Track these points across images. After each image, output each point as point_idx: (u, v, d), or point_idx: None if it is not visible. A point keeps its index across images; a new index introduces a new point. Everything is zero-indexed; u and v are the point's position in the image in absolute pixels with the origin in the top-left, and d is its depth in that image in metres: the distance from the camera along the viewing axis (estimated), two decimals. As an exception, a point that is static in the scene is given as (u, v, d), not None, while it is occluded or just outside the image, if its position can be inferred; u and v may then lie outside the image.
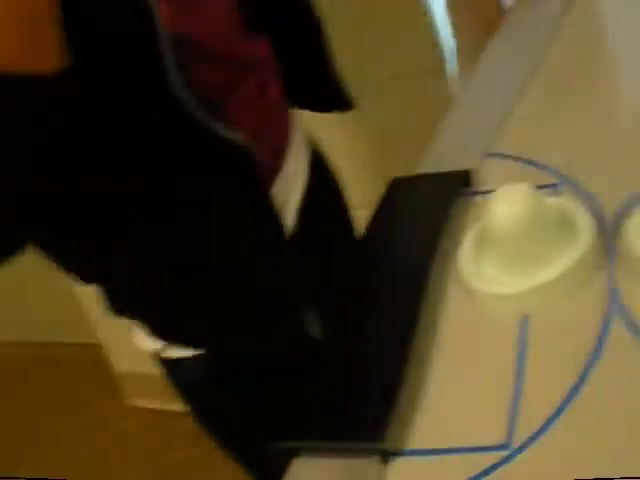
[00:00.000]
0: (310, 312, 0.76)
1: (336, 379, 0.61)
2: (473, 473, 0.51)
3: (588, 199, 0.66)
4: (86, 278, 0.75)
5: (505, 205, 0.60)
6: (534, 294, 0.60)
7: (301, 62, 0.83)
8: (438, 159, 0.81)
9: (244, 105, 0.72)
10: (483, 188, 0.75)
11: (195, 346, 0.78)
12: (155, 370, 0.83)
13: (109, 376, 1.95)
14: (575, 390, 0.53)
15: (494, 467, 0.51)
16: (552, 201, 0.64)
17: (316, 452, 0.56)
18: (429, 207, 0.75)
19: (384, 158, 1.40)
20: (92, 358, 1.99)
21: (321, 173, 0.87)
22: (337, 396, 0.59)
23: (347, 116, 0.96)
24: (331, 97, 0.86)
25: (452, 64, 1.29)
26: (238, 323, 0.76)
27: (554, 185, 0.71)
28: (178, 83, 0.60)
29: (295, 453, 0.57)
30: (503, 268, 0.62)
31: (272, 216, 0.71)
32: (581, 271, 0.60)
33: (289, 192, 0.77)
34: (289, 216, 0.77)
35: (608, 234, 0.62)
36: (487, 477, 0.50)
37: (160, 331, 0.77)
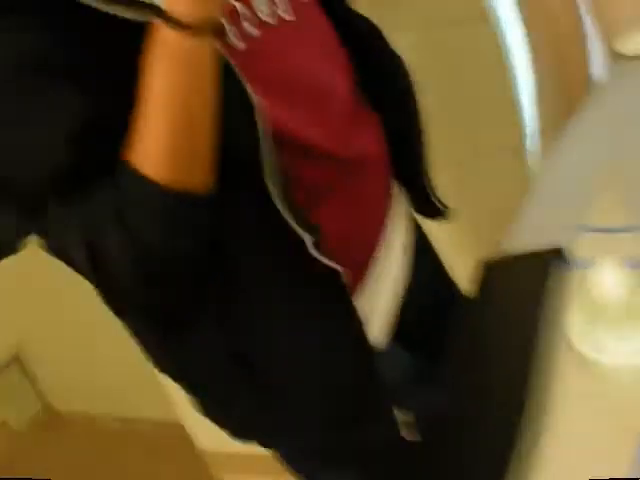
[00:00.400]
0: (400, 413, 0.74)
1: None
2: None
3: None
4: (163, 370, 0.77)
5: (610, 276, 0.61)
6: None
7: (406, 151, 0.82)
8: (527, 236, 0.81)
9: (342, 205, 0.72)
10: (578, 261, 0.74)
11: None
12: (239, 447, 0.82)
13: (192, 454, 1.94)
14: None
15: None
16: None
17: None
18: (526, 286, 0.75)
19: (463, 235, 1.38)
20: (176, 435, 1.99)
21: (422, 259, 0.85)
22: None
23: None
24: (424, 205, 0.86)
25: (534, 143, 1.29)
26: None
27: None
28: (276, 192, 0.62)
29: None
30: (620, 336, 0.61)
31: (355, 329, 0.70)
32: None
33: (379, 293, 0.76)
34: (378, 320, 0.76)
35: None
36: None
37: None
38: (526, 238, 0.81)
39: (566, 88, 1.23)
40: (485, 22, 1.26)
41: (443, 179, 0.91)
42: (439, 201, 0.85)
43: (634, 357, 0.60)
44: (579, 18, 1.19)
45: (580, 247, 0.75)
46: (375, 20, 0.82)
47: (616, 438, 0.54)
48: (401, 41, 0.82)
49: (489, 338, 0.72)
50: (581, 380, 0.61)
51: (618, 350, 0.61)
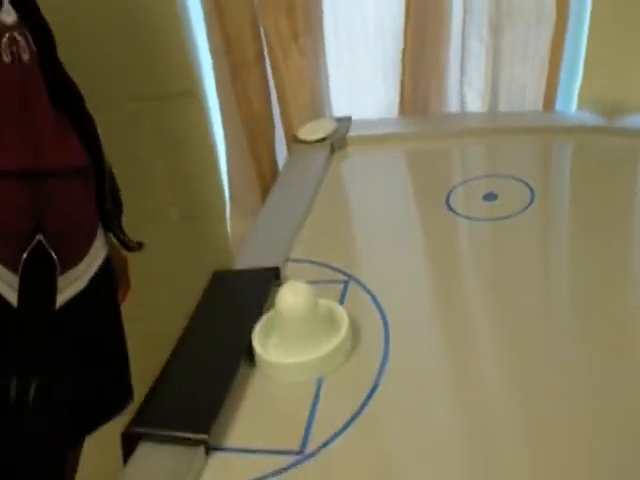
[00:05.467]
0: None
1: (182, 376, 0.80)
2: (268, 471, 0.70)
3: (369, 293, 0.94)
4: None
5: (289, 297, 0.84)
6: (321, 361, 0.81)
7: None
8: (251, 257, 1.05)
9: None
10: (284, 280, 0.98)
11: None
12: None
13: None
14: (357, 414, 0.75)
15: (287, 468, 0.70)
16: (322, 300, 0.87)
17: (156, 439, 0.72)
18: (246, 295, 0.96)
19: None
20: None
21: None
22: (179, 395, 0.78)
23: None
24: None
25: (230, 208, 1.56)
26: None
27: (344, 282, 0.97)
28: None
29: (140, 438, 0.72)
30: (287, 345, 0.84)
31: None
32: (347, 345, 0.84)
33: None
34: None
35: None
36: (280, 476, 0.69)
37: None
38: (250, 258, 1.05)
39: (257, 164, 1.50)
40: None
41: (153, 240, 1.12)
42: (127, 240, 1.05)
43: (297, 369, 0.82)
44: (269, 104, 1.48)
45: (291, 274, 1.01)
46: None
47: (282, 426, 0.77)
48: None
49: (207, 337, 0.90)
50: (258, 378, 0.83)
51: (286, 359, 0.82)
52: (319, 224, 1.15)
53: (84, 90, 0.99)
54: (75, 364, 0.94)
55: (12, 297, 0.85)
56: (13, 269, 0.84)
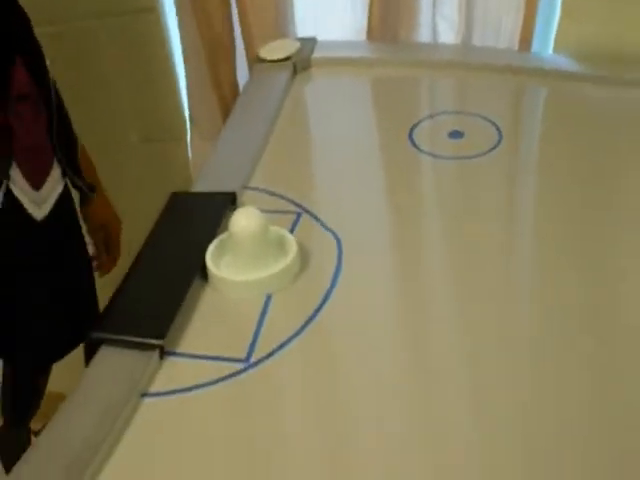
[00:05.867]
0: None
1: (140, 288, 0.92)
2: (216, 376, 0.82)
3: (320, 224, 1.05)
4: None
5: (242, 220, 0.95)
6: (269, 279, 0.93)
7: None
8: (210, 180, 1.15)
9: None
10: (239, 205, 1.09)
11: None
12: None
13: None
14: (301, 330, 0.87)
15: (234, 374, 0.83)
16: (273, 227, 0.99)
17: (115, 344, 0.84)
18: (203, 217, 1.06)
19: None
20: None
21: None
22: (137, 301, 0.90)
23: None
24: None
25: (190, 129, 1.65)
26: None
27: (297, 213, 1.07)
28: None
29: (101, 343, 0.84)
30: (238, 264, 0.95)
31: None
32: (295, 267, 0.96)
33: None
34: None
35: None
36: (226, 381, 0.81)
37: None
38: (209, 182, 1.15)
39: (218, 87, 1.58)
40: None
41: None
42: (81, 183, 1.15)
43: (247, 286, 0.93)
44: (231, 23, 1.55)
45: (247, 201, 1.11)
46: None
47: (230, 337, 0.89)
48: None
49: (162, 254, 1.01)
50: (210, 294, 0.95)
51: (237, 277, 0.94)
52: (279, 150, 1.25)
53: (40, 6, 1.06)
54: (43, 296, 1.06)
55: None
56: None
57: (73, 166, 1.12)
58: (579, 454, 0.73)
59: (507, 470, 0.72)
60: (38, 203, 1.04)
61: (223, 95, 1.57)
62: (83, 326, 0.92)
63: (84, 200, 1.18)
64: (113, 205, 1.26)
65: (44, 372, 1.18)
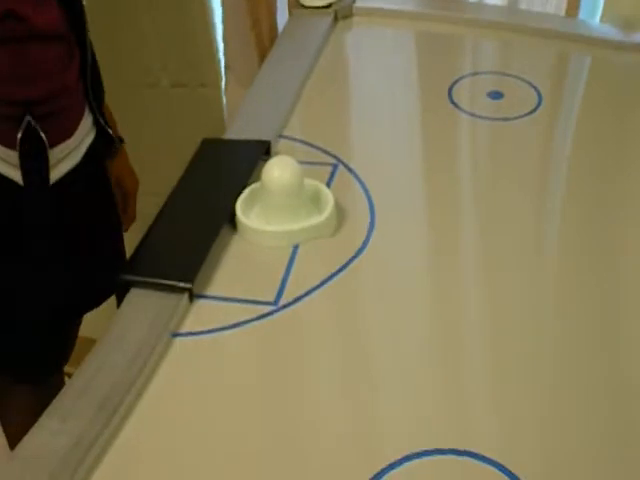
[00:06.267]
0: None
1: (169, 232, 0.94)
2: (246, 318, 0.84)
3: (355, 177, 1.06)
4: None
5: (276, 170, 0.95)
6: (300, 232, 0.94)
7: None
8: (243, 128, 1.14)
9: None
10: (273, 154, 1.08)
11: None
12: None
13: None
14: (330, 278, 0.88)
15: (262, 316, 0.84)
16: (309, 180, 0.99)
17: (146, 286, 0.85)
18: (234, 165, 1.06)
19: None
20: None
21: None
22: (167, 245, 0.92)
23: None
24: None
25: (224, 75, 1.63)
26: None
27: (333, 165, 1.07)
28: None
29: (131, 285, 0.85)
30: (269, 216, 0.96)
31: None
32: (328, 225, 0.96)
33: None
34: None
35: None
36: (255, 322, 0.84)
37: None
38: (242, 130, 1.14)
39: (256, 30, 1.54)
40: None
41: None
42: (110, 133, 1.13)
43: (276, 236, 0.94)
44: None
45: (280, 150, 1.11)
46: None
47: (259, 281, 0.91)
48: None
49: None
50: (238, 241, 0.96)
51: (267, 227, 0.94)
52: (316, 100, 1.24)
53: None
54: (77, 244, 1.07)
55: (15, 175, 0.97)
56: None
57: (103, 115, 1.12)
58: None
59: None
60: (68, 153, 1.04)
61: (261, 40, 1.55)
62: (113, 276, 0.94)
63: (107, 153, 1.18)
64: (141, 151, 1.25)
65: (77, 320, 1.19)
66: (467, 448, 0.69)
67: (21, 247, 1.00)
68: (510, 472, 0.67)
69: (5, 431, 1.19)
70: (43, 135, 0.93)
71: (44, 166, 0.96)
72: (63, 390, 0.74)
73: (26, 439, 0.70)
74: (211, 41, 1.62)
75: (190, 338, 0.82)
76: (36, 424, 0.71)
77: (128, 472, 0.70)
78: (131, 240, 1.19)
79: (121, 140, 1.17)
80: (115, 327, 0.82)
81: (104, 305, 1.11)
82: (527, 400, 0.76)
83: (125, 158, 1.21)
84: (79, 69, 1.02)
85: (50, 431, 0.69)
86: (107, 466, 0.69)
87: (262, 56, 1.51)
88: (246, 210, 0.97)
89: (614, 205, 1.02)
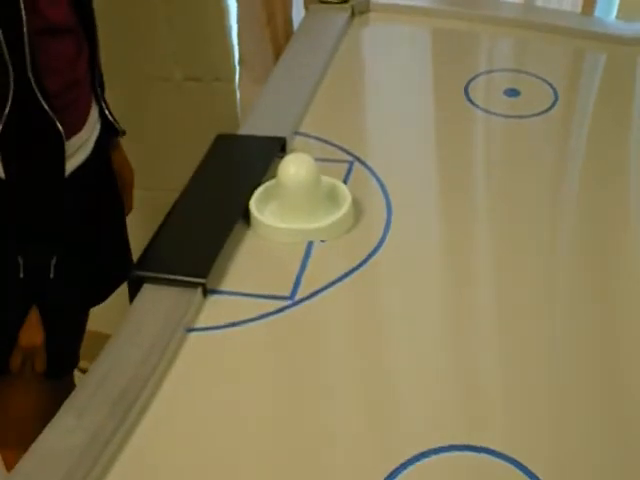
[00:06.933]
0: None
1: (182, 228, 0.95)
2: (261, 313, 0.85)
3: (372, 174, 1.06)
4: None
5: (292, 168, 0.95)
6: (317, 230, 0.94)
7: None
8: (258, 125, 1.15)
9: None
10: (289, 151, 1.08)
11: None
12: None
13: None
14: (347, 275, 0.89)
15: (278, 311, 0.85)
16: (325, 177, 0.99)
17: (159, 282, 0.86)
18: (249, 162, 1.07)
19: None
20: None
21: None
22: (180, 241, 0.93)
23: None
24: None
25: (238, 70, 1.64)
26: None
27: (349, 162, 1.08)
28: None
29: (144, 281, 0.86)
30: (284, 214, 0.96)
31: None
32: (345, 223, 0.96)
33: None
34: None
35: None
36: (271, 317, 0.84)
37: None
38: (257, 126, 1.15)
39: (272, 25, 1.55)
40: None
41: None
42: (113, 121, 1.14)
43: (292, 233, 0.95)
44: None
45: (296, 147, 1.11)
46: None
47: (274, 276, 0.91)
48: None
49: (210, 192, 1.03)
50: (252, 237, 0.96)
51: (281, 224, 0.95)
52: (331, 96, 1.25)
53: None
54: (86, 237, 1.08)
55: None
56: None
57: (108, 106, 1.14)
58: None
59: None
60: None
61: (276, 35, 1.56)
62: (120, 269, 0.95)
63: (111, 144, 1.19)
64: (154, 146, 1.26)
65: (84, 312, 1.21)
66: (483, 444, 0.70)
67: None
68: (527, 469, 0.68)
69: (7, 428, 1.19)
70: (60, 127, 0.94)
71: (61, 159, 0.97)
72: (78, 386, 0.75)
73: (42, 437, 0.70)
74: (225, 35, 1.62)
75: (204, 333, 0.83)
76: (52, 421, 0.71)
77: (144, 468, 0.70)
78: (135, 235, 1.22)
79: (124, 131, 1.18)
80: (129, 322, 0.82)
81: (115, 300, 1.12)
82: (543, 396, 0.76)
83: (122, 149, 1.22)
84: (88, 61, 1.03)
85: (67, 428, 0.70)
86: (123, 462, 0.69)
87: (277, 51, 1.52)
88: (261, 207, 0.97)
89: (632, 203, 1.03)
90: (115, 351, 0.79)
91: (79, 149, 1.02)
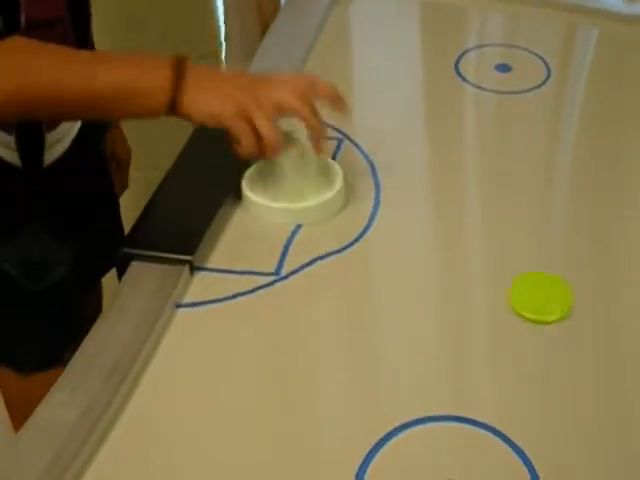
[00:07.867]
0: None
1: (170, 205, 0.96)
2: (247, 288, 0.87)
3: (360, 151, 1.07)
4: None
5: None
6: (308, 211, 0.96)
7: None
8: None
9: None
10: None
11: None
12: None
13: None
14: (334, 252, 0.91)
15: (263, 286, 0.87)
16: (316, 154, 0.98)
17: (147, 259, 0.87)
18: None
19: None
20: None
21: None
22: (168, 219, 0.94)
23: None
24: None
25: (225, 49, 1.65)
26: None
27: (338, 140, 1.09)
28: None
29: (132, 258, 0.88)
30: (276, 191, 0.97)
31: None
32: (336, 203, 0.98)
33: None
34: None
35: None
36: (257, 292, 0.86)
37: None
38: None
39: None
40: None
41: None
42: None
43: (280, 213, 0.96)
44: None
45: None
46: None
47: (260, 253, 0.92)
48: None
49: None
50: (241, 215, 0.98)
51: (273, 203, 0.96)
52: (319, 73, 1.22)
53: None
54: (75, 221, 1.09)
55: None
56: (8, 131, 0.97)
57: None
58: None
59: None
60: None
61: (262, 12, 1.57)
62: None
63: (104, 128, 1.20)
64: (144, 126, 1.26)
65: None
66: (468, 415, 0.72)
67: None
68: (515, 445, 0.70)
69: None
70: None
71: (39, 149, 0.99)
72: (70, 363, 0.76)
73: (36, 412, 0.71)
74: (212, 11, 1.63)
75: (192, 309, 0.84)
76: (45, 397, 0.73)
77: (136, 440, 0.72)
78: (130, 216, 1.22)
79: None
80: (118, 299, 0.84)
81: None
82: (528, 368, 0.79)
83: (120, 129, 1.23)
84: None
85: (61, 404, 0.72)
86: (116, 434, 0.71)
87: (263, 27, 1.52)
88: (252, 186, 0.99)
89: (623, 176, 1.05)
90: (105, 327, 0.80)
91: (59, 140, 1.03)
